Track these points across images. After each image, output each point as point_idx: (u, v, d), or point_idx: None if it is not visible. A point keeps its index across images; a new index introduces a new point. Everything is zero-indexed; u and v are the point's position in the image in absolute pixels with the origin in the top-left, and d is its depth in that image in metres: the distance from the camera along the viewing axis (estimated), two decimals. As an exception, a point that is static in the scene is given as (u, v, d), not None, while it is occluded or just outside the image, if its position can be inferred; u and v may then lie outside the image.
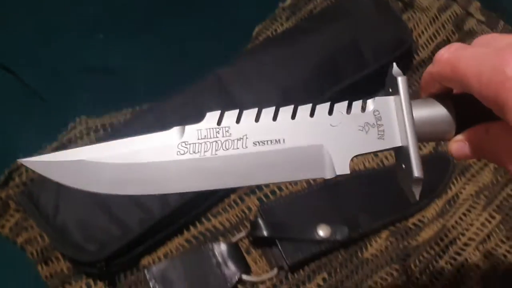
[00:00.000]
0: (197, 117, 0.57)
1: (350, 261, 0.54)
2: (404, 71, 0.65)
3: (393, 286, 0.52)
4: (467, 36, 0.69)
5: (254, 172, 0.32)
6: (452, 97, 0.34)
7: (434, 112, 0.33)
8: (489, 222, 0.57)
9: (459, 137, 0.34)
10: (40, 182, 0.54)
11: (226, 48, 0.67)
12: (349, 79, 0.62)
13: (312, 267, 0.54)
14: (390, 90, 0.34)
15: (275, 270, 0.53)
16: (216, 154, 0.32)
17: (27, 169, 0.57)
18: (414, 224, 0.56)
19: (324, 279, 0.53)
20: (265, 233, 0.53)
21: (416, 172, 0.31)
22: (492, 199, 0.58)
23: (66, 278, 0.52)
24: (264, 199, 0.57)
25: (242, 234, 0.55)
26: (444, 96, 0.34)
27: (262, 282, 0.53)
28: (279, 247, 0.53)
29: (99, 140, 0.58)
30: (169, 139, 0.32)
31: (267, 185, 0.58)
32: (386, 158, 0.61)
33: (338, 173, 0.32)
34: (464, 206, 0.58)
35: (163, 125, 0.56)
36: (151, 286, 0.51)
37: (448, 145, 0.34)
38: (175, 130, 0.32)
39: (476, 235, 0.56)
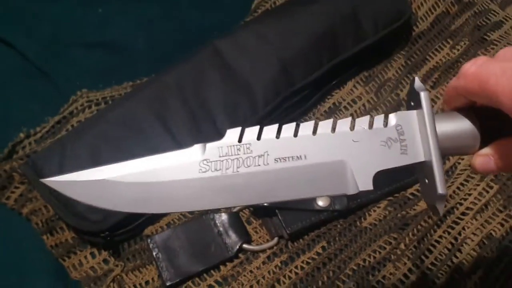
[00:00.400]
0: (196, 89, 0.57)
1: (349, 230, 0.55)
2: (403, 42, 0.66)
3: (391, 254, 0.53)
4: (466, 8, 0.69)
5: (276, 189, 0.32)
6: (476, 110, 0.33)
7: (458, 126, 0.33)
8: (487, 191, 0.57)
9: (484, 151, 0.33)
10: (43, 154, 0.55)
11: (225, 20, 0.67)
12: (348, 51, 0.62)
13: (311, 236, 0.55)
14: (412, 104, 0.34)
15: (275, 239, 0.54)
16: (237, 171, 0.32)
17: (30, 142, 0.58)
18: (412, 194, 0.57)
19: (323, 248, 0.54)
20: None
21: (440, 189, 0.31)
22: (490, 169, 0.58)
23: (71, 248, 0.53)
24: (264, 170, 0.58)
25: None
26: (467, 109, 0.34)
27: (263, 251, 0.54)
28: (279, 216, 0.54)
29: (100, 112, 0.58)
30: (190, 157, 0.32)
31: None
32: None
33: (361, 189, 0.32)
34: (462, 176, 0.58)
35: (162, 98, 0.57)
36: (154, 254, 0.52)
37: (472, 159, 0.33)
38: (196, 148, 0.32)
39: (473, 204, 0.57)
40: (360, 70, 0.65)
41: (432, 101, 0.63)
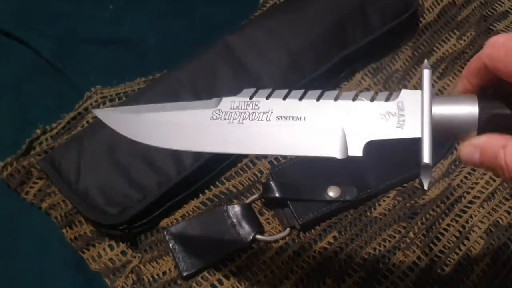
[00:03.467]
0: (208, 84, 0.59)
1: (359, 220, 0.56)
2: (410, 34, 0.67)
3: (400, 243, 0.55)
4: (472, -1, 0.70)
5: (272, 143, 0.35)
6: (482, 98, 0.34)
7: (457, 109, 0.33)
8: (494, 180, 0.59)
9: (473, 141, 0.33)
10: (60, 149, 0.56)
11: (235, 15, 0.68)
12: (357, 44, 0.63)
13: (322, 226, 0.56)
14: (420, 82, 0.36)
15: (287, 230, 0.56)
16: (242, 123, 0.36)
17: (46, 138, 0.60)
18: (420, 183, 0.58)
19: (334, 237, 0.56)
20: (277, 194, 0.55)
21: (426, 158, 0.32)
22: (496, 158, 0.59)
23: (90, 240, 0.55)
24: (275, 162, 0.59)
25: (255, 196, 0.57)
26: (474, 96, 0.34)
27: (275, 241, 0.55)
28: (291, 207, 0.55)
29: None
30: (207, 106, 0.37)
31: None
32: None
33: (350, 154, 0.35)
34: (469, 166, 0.59)
35: (175, 93, 0.58)
36: (171, 246, 0.53)
37: (460, 146, 0.34)
38: (214, 100, 0.37)
39: (480, 193, 0.58)
40: (368, 62, 0.66)
41: (439, 91, 0.64)
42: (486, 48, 0.32)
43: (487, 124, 0.33)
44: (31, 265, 0.54)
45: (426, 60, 0.35)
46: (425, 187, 0.33)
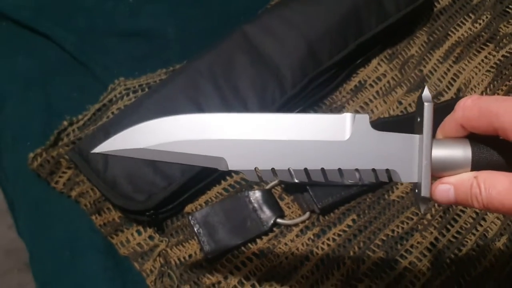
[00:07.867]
0: (227, 74, 0.60)
1: (378, 203, 0.58)
2: (425, 19, 0.67)
3: (418, 224, 0.56)
4: (487, -18, 0.70)
5: None
6: (471, 140, 0.37)
7: (452, 153, 0.36)
8: (509, 162, 0.59)
9: (447, 180, 0.36)
10: (88, 140, 0.58)
11: (251, 4, 0.69)
12: (372, 31, 0.64)
13: (341, 210, 0.58)
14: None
15: (307, 214, 0.57)
16: None
17: (73, 129, 0.62)
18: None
19: (353, 220, 0.57)
20: (296, 180, 0.57)
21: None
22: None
23: (118, 226, 0.57)
24: (294, 148, 0.61)
25: (275, 182, 0.59)
26: (463, 139, 0.37)
27: (296, 225, 0.57)
28: (310, 192, 0.57)
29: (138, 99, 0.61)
30: None
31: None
32: (410, 105, 0.63)
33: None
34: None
35: (195, 84, 0.60)
36: (196, 230, 0.56)
37: (433, 186, 0.36)
38: None
39: (496, 175, 0.59)
40: (384, 48, 0.67)
41: (455, 75, 0.65)
42: (457, 111, 0.36)
43: (479, 165, 0.36)
44: (63, 250, 0.57)
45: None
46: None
